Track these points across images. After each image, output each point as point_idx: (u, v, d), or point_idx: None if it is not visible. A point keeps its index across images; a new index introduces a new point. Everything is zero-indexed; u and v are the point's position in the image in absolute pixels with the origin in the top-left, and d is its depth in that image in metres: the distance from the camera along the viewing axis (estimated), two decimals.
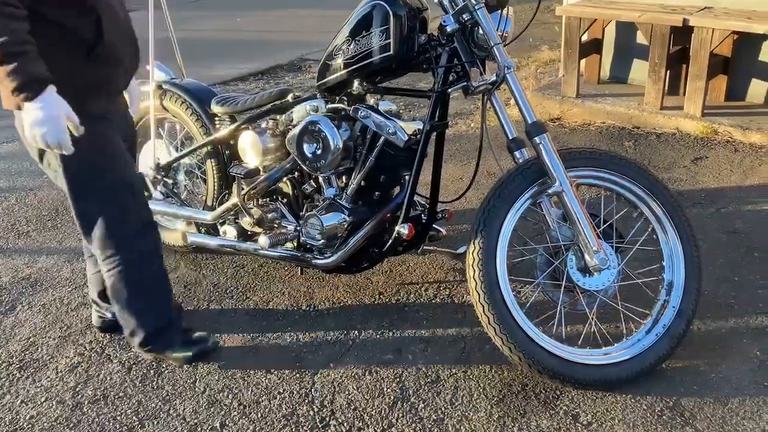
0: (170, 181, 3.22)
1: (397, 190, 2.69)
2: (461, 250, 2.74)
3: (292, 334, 2.68)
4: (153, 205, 3.11)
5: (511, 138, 2.41)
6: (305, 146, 2.55)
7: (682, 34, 4.38)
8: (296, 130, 2.58)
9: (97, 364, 2.54)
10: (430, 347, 2.56)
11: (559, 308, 2.32)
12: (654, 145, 4.23)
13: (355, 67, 2.49)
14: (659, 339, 2.28)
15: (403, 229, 2.49)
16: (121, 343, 2.63)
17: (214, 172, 3.06)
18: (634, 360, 2.26)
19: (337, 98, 2.65)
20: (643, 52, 4.69)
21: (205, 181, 3.25)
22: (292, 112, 2.71)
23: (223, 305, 2.90)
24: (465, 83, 2.39)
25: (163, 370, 2.48)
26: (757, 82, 4.49)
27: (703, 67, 4.17)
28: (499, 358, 2.42)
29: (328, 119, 2.52)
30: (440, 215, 2.70)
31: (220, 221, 2.95)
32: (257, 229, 2.81)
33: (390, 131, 2.47)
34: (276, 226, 2.78)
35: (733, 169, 3.80)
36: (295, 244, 2.77)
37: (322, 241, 2.60)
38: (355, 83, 2.55)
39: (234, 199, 2.83)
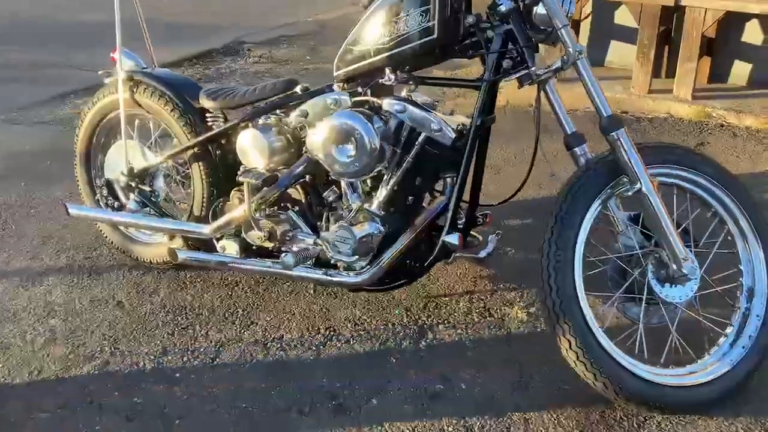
0: (147, 189, 2.75)
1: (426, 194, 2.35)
2: (483, 254, 2.42)
3: (317, 365, 2.30)
4: (127, 218, 2.65)
5: (570, 132, 2.12)
6: (335, 148, 2.17)
7: (666, 14, 4.22)
8: (322, 130, 2.19)
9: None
10: (481, 373, 2.25)
11: (640, 324, 2.06)
12: (649, 130, 4.06)
13: (390, 53, 2.12)
14: (748, 352, 2.06)
15: (451, 240, 2.16)
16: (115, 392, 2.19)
17: (204, 177, 2.62)
18: (724, 377, 2.03)
19: (359, 90, 2.28)
20: (622, 33, 4.53)
21: (185, 186, 2.81)
22: (304, 107, 2.31)
23: (226, 333, 2.48)
24: (525, 70, 2.07)
25: None
26: (740, 63, 4.40)
27: (695, 49, 4.03)
28: (561, 379, 2.15)
29: (361, 116, 2.14)
30: (480, 220, 2.38)
31: (218, 235, 2.52)
32: (267, 244, 2.41)
33: (434, 128, 2.12)
34: (288, 239, 2.39)
35: (740, 156, 3.68)
36: (313, 261, 2.39)
37: (354, 256, 2.23)
38: (387, 72, 2.18)
39: (239, 210, 2.42)
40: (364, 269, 2.25)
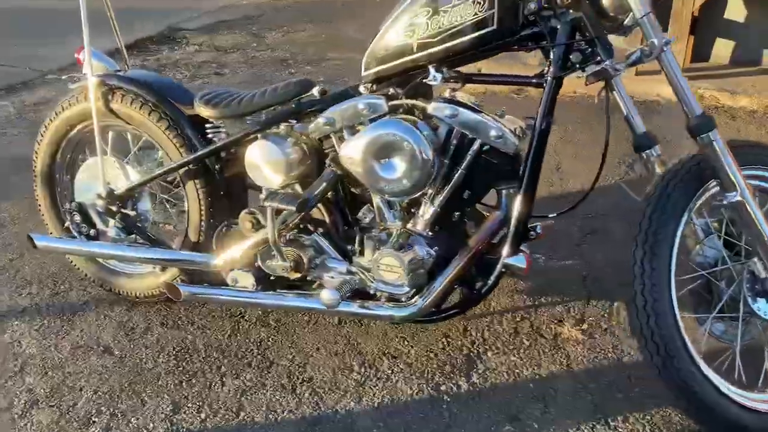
0: (131, 213, 2.34)
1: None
2: (512, 260, 2.12)
3: (361, 412, 1.99)
4: (111, 249, 2.25)
5: (641, 133, 1.87)
6: (378, 164, 1.84)
7: None
8: (360, 141, 1.85)
9: None
10: (551, 407, 1.99)
11: (737, 345, 1.84)
12: (643, 114, 3.87)
13: (437, 48, 1.81)
14: None
15: (517, 263, 1.89)
16: None
17: (202, 197, 2.23)
18: None
19: (391, 92, 1.95)
20: None
21: (169, 205, 2.42)
22: (330, 114, 1.97)
23: (245, 379, 2.13)
24: (598, 64, 1.80)
25: None
26: (722, 41, 4.30)
27: (685, 28, 3.88)
28: (641, 410, 1.94)
29: (408, 123, 1.82)
30: (533, 234, 2.11)
31: (230, 267, 2.14)
32: (291, 275, 2.06)
33: (494, 134, 1.82)
34: (315, 267, 2.05)
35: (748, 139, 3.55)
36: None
37: (403, 286, 1.93)
38: (431, 70, 1.86)
39: (257, 236, 2.06)
40: (414, 299, 1.95)
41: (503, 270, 1.92)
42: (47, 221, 2.52)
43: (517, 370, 2.13)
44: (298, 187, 2.11)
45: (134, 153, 2.38)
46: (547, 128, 1.86)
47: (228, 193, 2.27)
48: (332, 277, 2.04)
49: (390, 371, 2.14)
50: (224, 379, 2.13)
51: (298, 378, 2.13)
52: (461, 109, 1.84)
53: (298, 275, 2.06)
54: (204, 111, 2.14)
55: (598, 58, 1.80)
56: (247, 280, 2.13)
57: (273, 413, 2.00)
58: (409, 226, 1.95)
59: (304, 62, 5.71)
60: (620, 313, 2.35)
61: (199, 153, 2.15)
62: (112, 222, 2.34)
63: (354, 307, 1.99)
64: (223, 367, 2.19)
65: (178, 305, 2.46)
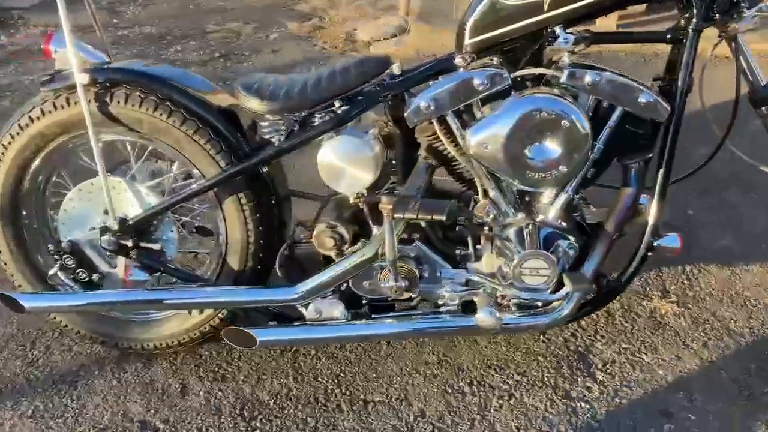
0: (155, 246, 1.80)
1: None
2: (664, 241, 1.94)
3: None
4: (145, 296, 1.74)
5: (762, 86, 1.72)
6: (528, 148, 1.52)
7: None
8: (501, 125, 1.51)
9: None
10: (694, 393, 1.81)
11: None
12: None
13: (578, 4, 1.51)
14: None
15: (670, 243, 1.67)
16: None
17: (248, 214, 1.76)
18: None
19: (494, 61, 1.63)
20: None
21: (205, 233, 1.92)
22: (430, 96, 1.59)
23: (345, 429, 1.73)
24: (744, 13, 1.60)
25: None
26: None
27: None
28: None
29: (560, 97, 1.51)
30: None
31: (311, 298, 1.71)
32: (404, 295, 1.68)
33: (643, 100, 1.57)
34: (425, 282, 1.69)
35: None
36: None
37: (549, 288, 1.64)
38: (558, 32, 1.56)
39: (366, 251, 1.64)
40: (561, 301, 1.67)
41: (648, 253, 1.70)
42: (13, 273, 1.89)
43: (637, 358, 1.93)
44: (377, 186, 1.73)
45: (139, 169, 1.83)
46: (689, 89, 1.64)
47: (278, 204, 1.82)
48: (449, 291, 1.69)
49: (506, 385, 1.86)
50: None
51: (408, 415, 1.77)
52: (606, 74, 1.56)
53: (410, 294, 1.69)
54: (254, 104, 1.66)
55: (741, 7, 1.60)
56: (336, 310, 1.72)
57: None
58: (539, 218, 1.66)
59: (184, 37, 5.04)
60: None
61: (258, 158, 1.68)
62: (122, 262, 1.79)
63: (509, 322, 1.66)
64: (309, 419, 1.77)
65: (207, 350, 1.97)
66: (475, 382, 1.87)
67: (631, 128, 1.62)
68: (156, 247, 1.78)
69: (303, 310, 1.74)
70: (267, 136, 1.70)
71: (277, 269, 1.78)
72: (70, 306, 1.76)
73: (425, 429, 1.74)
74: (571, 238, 1.66)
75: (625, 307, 2.12)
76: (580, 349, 1.97)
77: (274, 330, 1.71)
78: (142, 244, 1.77)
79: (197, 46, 4.82)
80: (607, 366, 1.91)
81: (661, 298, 2.15)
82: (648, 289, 2.20)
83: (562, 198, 1.65)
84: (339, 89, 1.66)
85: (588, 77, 1.55)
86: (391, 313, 1.75)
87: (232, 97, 1.77)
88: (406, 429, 1.74)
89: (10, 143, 1.75)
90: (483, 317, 1.58)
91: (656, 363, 1.92)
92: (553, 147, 1.52)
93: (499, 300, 1.70)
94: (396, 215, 1.53)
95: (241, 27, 5.25)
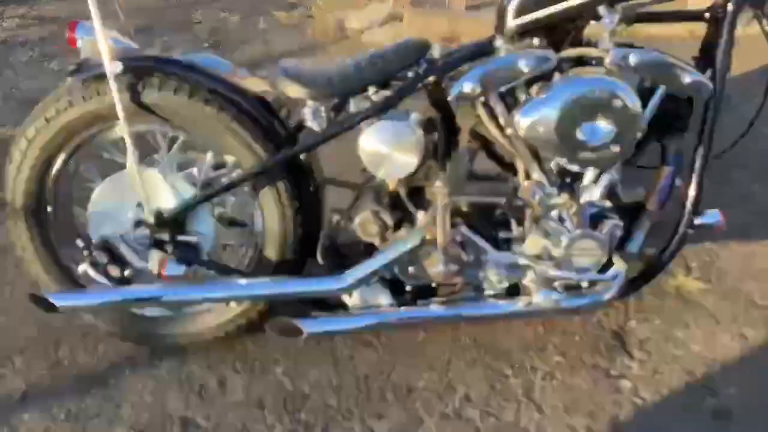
0: (193, 239, 1.75)
1: None
2: (706, 218, 1.88)
3: (551, 419, 1.70)
4: (193, 291, 1.70)
5: None
6: (580, 128, 1.51)
7: None
8: (553, 106, 1.50)
9: None
10: (731, 371, 1.85)
11: None
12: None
13: None
14: None
15: (712, 220, 1.69)
16: None
17: (287, 202, 1.72)
18: None
19: (536, 42, 1.62)
20: None
21: (236, 224, 1.87)
22: (474, 76, 1.58)
23: (394, 418, 1.71)
24: None
25: None
26: None
27: None
28: None
29: (611, 77, 1.51)
30: None
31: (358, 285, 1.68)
32: (449, 281, 1.67)
33: (688, 80, 1.58)
34: (469, 264, 1.68)
35: None
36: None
37: (597, 268, 1.64)
38: (603, 12, 1.55)
39: (412, 238, 1.62)
40: (608, 281, 1.67)
41: (689, 230, 1.71)
42: (37, 273, 1.82)
43: (671, 335, 1.96)
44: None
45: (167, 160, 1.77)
46: (728, 68, 1.65)
47: (316, 191, 1.79)
48: (496, 275, 1.68)
49: (547, 366, 1.86)
50: (368, 423, 1.71)
51: (454, 401, 1.76)
52: (651, 54, 1.56)
53: (457, 279, 1.68)
54: (296, 90, 1.63)
55: None
56: (381, 297, 1.70)
57: None
58: (583, 199, 1.66)
59: (170, 28, 4.90)
60: None
61: (301, 146, 1.65)
62: (156, 256, 1.73)
63: (546, 302, 1.66)
64: (354, 409, 1.75)
65: (241, 345, 1.94)
66: (516, 365, 1.87)
67: (670, 107, 1.64)
68: (193, 240, 1.73)
69: (346, 298, 1.72)
70: (309, 123, 1.66)
71: (319, 258, 1.75)
72: (105, 303, 1.70)
73: (473, 414, 1.73)
74: (617, 218, 1.66)
75: (653, 286, 2.14)
76: (614, 328, 1.99)
77: (321, 320, 1.67)
78: (179, 238, 1.72)
79: (184, 37, 4.70)
80: (643, 344, 1.93)
81: (686, 275, 2.18)
82: (671, 266, 2.22)
83: (606, 178, 1.65)
84: (381, 74, 1.64)
85: (634, 57, 1.55)
86: (436, 299, 1.73)
87: (263, 83, 1.74)
88: (453, 415, 1.73)
89: (35, 137, 1.68)
90: (540, 300, 1.58)
91: (690, 339, 1.95)
92: (605, 126, 1.51)
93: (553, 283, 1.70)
94: (454, 198, 1.51)
95: (227, 17, 5.14)
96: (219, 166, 1.84)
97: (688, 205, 1.70)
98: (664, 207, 1.71)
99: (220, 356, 1.91)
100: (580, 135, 1.52)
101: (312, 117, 1.65)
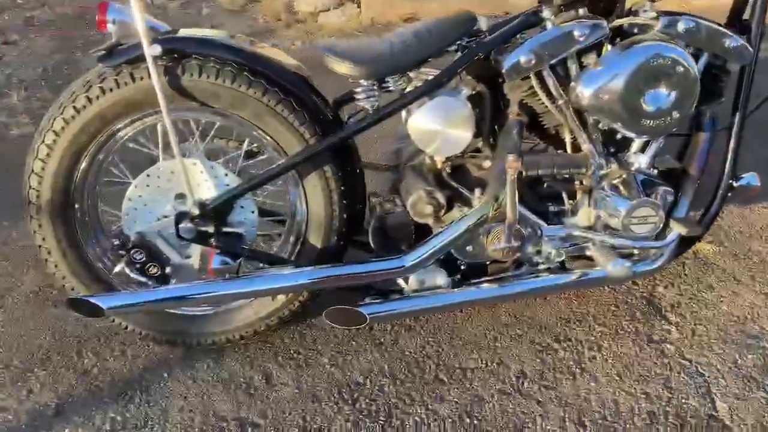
0: (239, 230, 1.65)
1: None
2: (744, 180, 1.81)
3: (609, 387, 1.72)
4: (251, 284, 1.62)
5: None
6: (644, 96, 1.52)
7: None
8: (617, 74, 1.51)
9: None
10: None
11: None
12: None
13: None
14: None
15: (751, 181, 1.75)
16: None
17: (333, 186, 1.66)
18: None
19: (581, 12, 1.62)
20: None
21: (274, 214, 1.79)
22: (528, 48, 1.56)
23: (456, 397, 1.69)
24: None
25: None
26: None
27: None
28: None
29: (675, 45, 1.53)
30: None
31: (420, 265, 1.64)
32: (511, 257, 1.65)
33: (732, 45, 1.61)
34: (528, 238, 1.67)
35: None
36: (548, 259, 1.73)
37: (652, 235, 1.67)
38: None
39: (469, 219, 1.59)
40: (666, 246, 1.70)
41: (728, 194, 1.77)
42: (65, 276, 1.69)
43: (699, 297, 2.02)
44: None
45: (203, 148, 1.68)
46: (762, 32, 1.70)
47: (361, 173, 1.74)
48: (554, 249, 1.68)
49: (592, 337, 1.88)
50: (431, 407, 1.68)
51: (510, 377, 1.76)
52: (698, 21, 1.59)
53: (517, 255, 1.67)
54: (346, 68, 1.56)
55: None
56: (439, 278, 1.67)
57: (530, 420, 1.63)
58: (633, 167, 1.68)
59: None
60: None
61: (354, 128, 1.59)
62: (198, 251, 1.64)
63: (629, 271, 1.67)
64: (413, 393, 1.72)
65: (278, 338, 1.87)
66: (561, 338, 1.88)
67: (711, 72, 1.67)
68: (239, 231, 1.65)
69: (401, 281, 1.68)
70: (362, 103, 1.60)
71: (371, 242, 1.70)
72: (156, 302, 1.59)
73: (531, 388, 1.73)
74: (666, 184, 1.69)
75: None
76: (645, 295, 2.03)
77: (382, 305, 1.63)
78: (224, 229, 1.64)
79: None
80: (675, 308, 1.99)
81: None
82: None
83: (654, 145, 1.68)
84: (432, 49, 1.60)
85: (682, 24, 1.58)
86: (488, 277, 1.72)
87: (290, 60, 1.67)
88: (513, 390, 1.73)
89: (63, 129, 1.55)
90: (613, 269, 1.59)
91: (717, 299, 2.01)
92: (668, 93, 1.53)
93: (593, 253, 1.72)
94: (530, 172, 1.50)
95: (165, 3, 4.94)
96: (251, 154, 1.77)
97: (727, 168, 1.75)
98: (704, 172, 1.75)
99: (257, 351, 1.84)
100: (644, 103, 1.53)
101: (364, 96, 1.60)
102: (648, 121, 1.55)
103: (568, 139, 1.68)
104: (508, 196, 1.54)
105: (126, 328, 1.77)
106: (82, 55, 4.07)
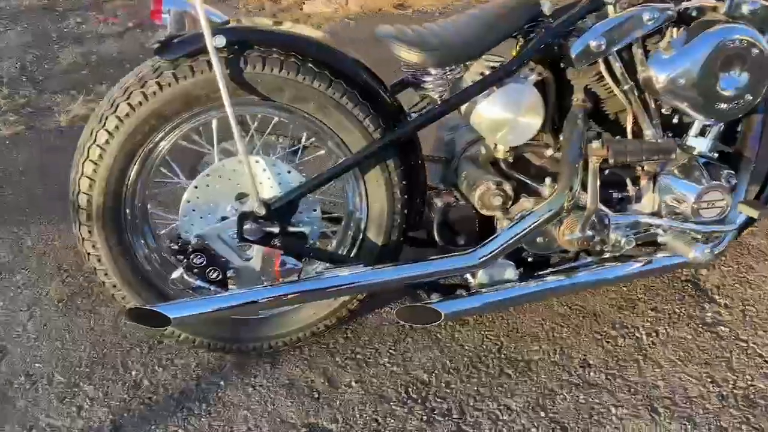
0: (305, 230, 1.58)
1: None
2: None
3: (670, 373, 1.72)
4: (307, 285, 1.56)
5: None
6: (721, 80, 1.50)
7: None
8: (694, 59, 1.49)
9: None
10: None
11: None
12: None
13: None
14: None
15: None
16: None
17: (396, 180, 1.60)
18: None
19: None
20: None
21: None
22: (598, 33, 1.53)
23: (533, 394, 1.66)
24: None
25: None
26: None
27: None
28: None
29: (749, 27, 1.51)
30: None
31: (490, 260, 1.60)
32: (587, 247, 1.62)
33: None
34: (600, 228, 1.64)
35: None
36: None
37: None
38: None
39: (543, 211, 1.55)
40: (718, 235, 1.70)
41: None
42: (116, 284, 1.58)
43: (741, 278, 2.04)
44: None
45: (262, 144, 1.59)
46: None
47: (422, 166, 1.68)
48: (624, 237, 1.65)
49: (647, 323, 1.88)
50: (502, 402, 1.64)
51: (575, 367, 1.74)
52: (763, 2, 1.58)
53: (588, 245, 1.64)
54: (416, 56, 1.50)
55: None
56: (508, 272, 1.63)
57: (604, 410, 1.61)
58: (695, 151, 1.67)
59: (77, 7, 4.45)
60: None
61: (422, 119, 1.54)
62: (260, 253, 1.56)
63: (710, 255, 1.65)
64: (481, 389, 1.68)
65: (332, 339, 1.81)
66: (617, 325, 1.87)
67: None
68: (305, 230, 1.57)
69: (469, 276, 1.64)
70: (431, 93, 1.55)
71: (437, 237, 1.65)
72: (224, 309, 1.51)
73: (599, 377, 1.72)
74: (728, 167, 1.69)
75: None
76: (689, 279, 2.04)
77: (457, 301, 1.58)
78: (289, 229, 1.56)
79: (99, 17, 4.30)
80: (721, 290, 2.00)
81: None
82: None
83: (715, 129, 1.67)
84: (500, 36, 1.55)
85: (748, 5, 1.57)
86: (554, 269, 1.69)
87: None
88: (580, 381, 1.71)
89: (117, 127, 1.45)
90: (697, 255, 1.58)
91: (759, 279, 2.04)
92: (743, 76, 1.52)
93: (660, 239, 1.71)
94: (618, 159, 1.47)
95: None
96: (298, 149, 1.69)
97: None
98: (758, 154, 1.75)
99: (312, 354, 1.77)
100: (719, 86, 1.52)
101: (434, 85, 1.54)
102: (722, 105, 1.54)
103: (629, 125, 1.66)
104: (590, 184, 1.51)
105: (179, 336, 1.67)
106: (59, 48, 3.88)
